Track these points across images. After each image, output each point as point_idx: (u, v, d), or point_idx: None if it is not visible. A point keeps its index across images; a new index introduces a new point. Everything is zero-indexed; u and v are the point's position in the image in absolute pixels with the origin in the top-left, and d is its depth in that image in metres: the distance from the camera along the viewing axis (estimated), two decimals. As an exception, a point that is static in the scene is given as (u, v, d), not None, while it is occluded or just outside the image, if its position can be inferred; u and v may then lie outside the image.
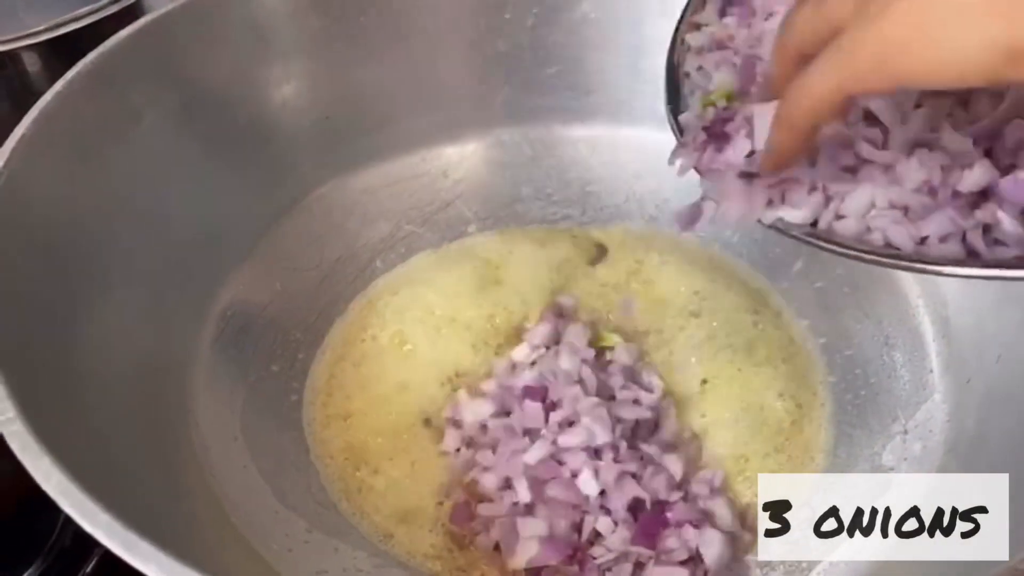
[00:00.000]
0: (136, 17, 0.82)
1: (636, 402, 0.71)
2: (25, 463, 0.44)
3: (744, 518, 0.68)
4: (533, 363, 0.74)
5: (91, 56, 0.68)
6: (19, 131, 0.61)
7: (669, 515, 0.64)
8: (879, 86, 0.42)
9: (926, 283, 0.76)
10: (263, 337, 0.77)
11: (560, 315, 0.80)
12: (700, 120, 0.55)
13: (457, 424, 0.72)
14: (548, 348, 0.75)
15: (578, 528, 0.65)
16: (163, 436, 0.64)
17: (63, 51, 0.85)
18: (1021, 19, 0.37)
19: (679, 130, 0.57)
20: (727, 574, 0.64)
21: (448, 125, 0.91)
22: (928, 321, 0.74)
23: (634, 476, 0.66)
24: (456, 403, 0.73)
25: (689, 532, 0.64)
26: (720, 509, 0.67)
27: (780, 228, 0.49)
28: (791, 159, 0.48)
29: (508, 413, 0.71)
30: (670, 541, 0.63)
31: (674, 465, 0.67)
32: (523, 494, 0.65)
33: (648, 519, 0.64)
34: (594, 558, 0.63)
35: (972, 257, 0.45)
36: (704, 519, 0.65)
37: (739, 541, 0.66)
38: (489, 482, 0.67)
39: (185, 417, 0.67)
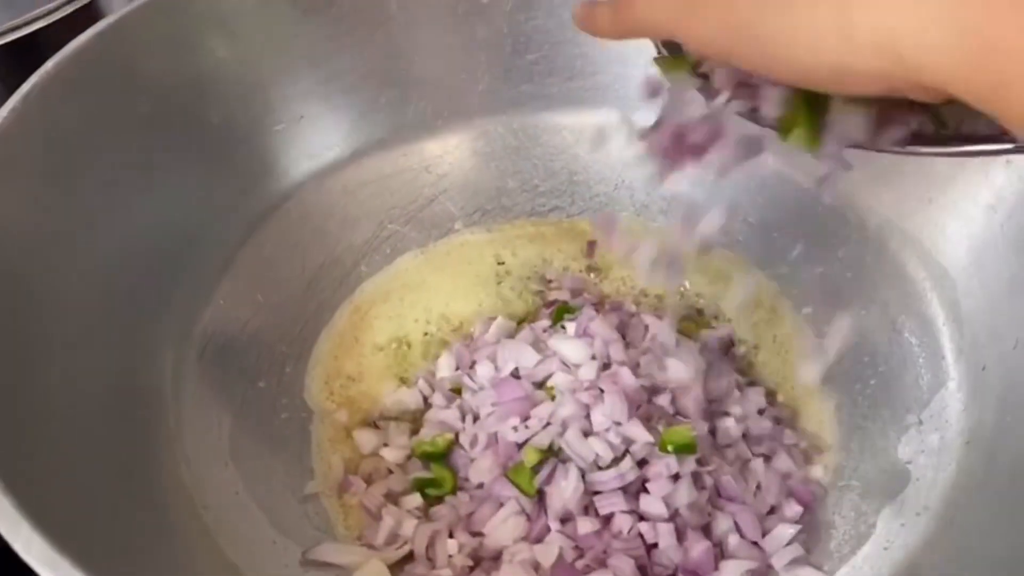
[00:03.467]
0: (92, 19, 0.78)
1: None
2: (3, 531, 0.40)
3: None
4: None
5: (48, 66, 0.63)
6: (-27, 155, 0.57)
7: None
8: (708, 53, 0.42)
9: (932, 263, 0.73)
10: (247, 353, 0.73)
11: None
12: None
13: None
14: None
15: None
16: (146, 468, 0.60)
17: (15, 58, 0.80)
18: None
19: None
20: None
21: (428, 118, 0.86)
22: (937, 305, 0.72)
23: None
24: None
25: None
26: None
27: None
28: (603, 34, 0.49)
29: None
30: None
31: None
32: None
33: None
34: None
35: None
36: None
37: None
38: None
39: (170, 446, 0.63)
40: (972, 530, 0.58)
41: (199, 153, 0.74)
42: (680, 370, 0.67)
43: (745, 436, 0.68)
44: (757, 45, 0.37)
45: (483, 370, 0.71)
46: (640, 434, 0.63)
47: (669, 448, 0.62)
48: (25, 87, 0.61)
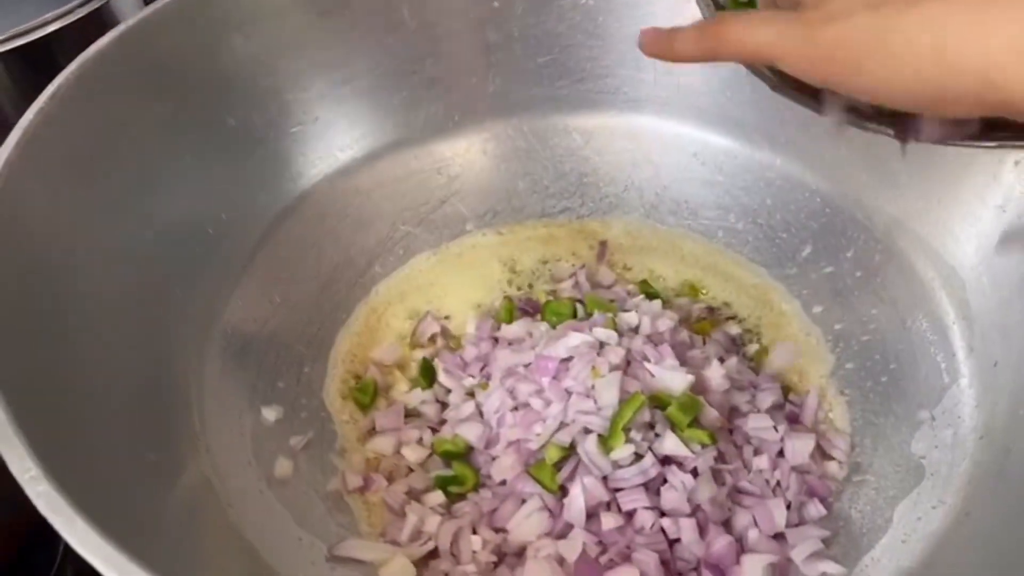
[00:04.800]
0: (103, 23, 0.79)
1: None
2: (57, 526, 0.41)
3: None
4: None
5: (72, 67, 0.63)
6: (3, 154, 0.57)
7: None
8: (810, 76, 0.42)
9: (941, 263, 0.75)
10: (266, 354, 0.73)
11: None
12: None
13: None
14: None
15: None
16: (172, 466, 0.61)
17: (29, 61, 0.80)
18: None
19: None
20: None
21: (439, 120, 0.87)
22: (947, 303, 0.73)
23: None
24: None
25: None
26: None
27: None
28: (682, 58, 0.48)
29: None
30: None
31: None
32: None
33: None
34: None
35: None
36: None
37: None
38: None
39: (195, 444, 0.64)
40: (989, 522, 0.59)
41: (217, 155, 0.75)
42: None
43: (761, 432, 0.69)
44: (860, 73, 0.39)
45: (498, 396, 0.70)
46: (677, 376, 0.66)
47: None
48: (51, 87, 0.62)
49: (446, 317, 0.81)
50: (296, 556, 0.62)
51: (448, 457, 0.69)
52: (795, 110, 0.80)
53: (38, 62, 0.80)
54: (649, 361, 0.69)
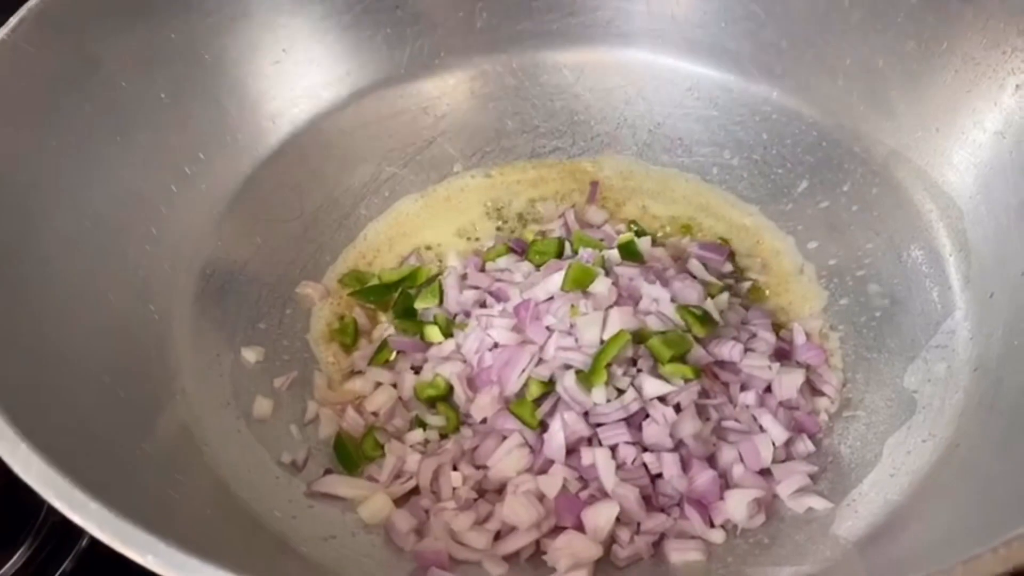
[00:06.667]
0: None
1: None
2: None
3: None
4: None
5: (36, -2, 0.62)
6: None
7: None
8: None
9: (938, 193, 0.72)
10: (246, 294, 0.72)
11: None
12: None
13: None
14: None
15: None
16: (149, 408, 0.60)
17: None
18: None
19: None
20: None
21: (425, 57, 0.85)
22: (944, 235, 0.71)
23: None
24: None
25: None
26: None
27: None
28: None
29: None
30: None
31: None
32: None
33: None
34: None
35: None
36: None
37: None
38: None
39: (170, 386, 0.63)
40: (978, 454, 0.58)
41: (193, 91, 0.73)
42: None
43: (755, 371, 0.67)
44: None
45: (476, 336, 0.68)
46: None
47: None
48: (14, 19, 0.60)
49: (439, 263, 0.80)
50: (274, 493, 0.61)
51: (430, 402, 0.68)
52: (791, 39, 0.79)
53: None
54: (636, 296, 0.67)
